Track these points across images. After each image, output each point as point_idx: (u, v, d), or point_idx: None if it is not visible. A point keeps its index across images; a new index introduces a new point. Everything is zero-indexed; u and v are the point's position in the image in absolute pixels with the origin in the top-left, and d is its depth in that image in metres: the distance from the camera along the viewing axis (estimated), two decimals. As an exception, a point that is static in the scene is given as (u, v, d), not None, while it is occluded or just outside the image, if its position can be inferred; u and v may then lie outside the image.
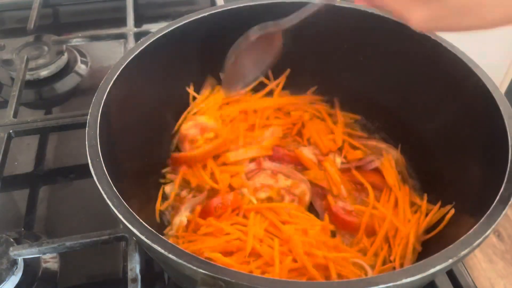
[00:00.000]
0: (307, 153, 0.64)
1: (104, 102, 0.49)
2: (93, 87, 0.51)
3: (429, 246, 0.54)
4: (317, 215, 0.60)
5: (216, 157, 0.63)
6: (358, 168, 0.64)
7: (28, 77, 0.82)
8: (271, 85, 0.70)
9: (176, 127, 0.67)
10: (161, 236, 0.38)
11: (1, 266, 0.53)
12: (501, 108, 0.47)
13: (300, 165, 0.65)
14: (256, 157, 0.63)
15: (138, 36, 0.85)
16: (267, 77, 0.70)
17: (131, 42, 0.84)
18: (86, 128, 0.46)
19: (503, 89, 1.68)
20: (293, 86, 0.71)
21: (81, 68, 0.89)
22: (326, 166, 0.63)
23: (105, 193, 0.41)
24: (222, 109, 0.68)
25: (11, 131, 0.67)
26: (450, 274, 0.55)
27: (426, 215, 0.57)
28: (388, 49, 0.61)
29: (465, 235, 0.38)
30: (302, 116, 0.68)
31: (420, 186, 0.62)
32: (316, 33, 0.64)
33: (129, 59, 0.54)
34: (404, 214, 0.57)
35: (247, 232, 0.53)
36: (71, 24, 1.04)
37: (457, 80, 0.55)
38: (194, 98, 0.68)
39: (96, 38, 0.89)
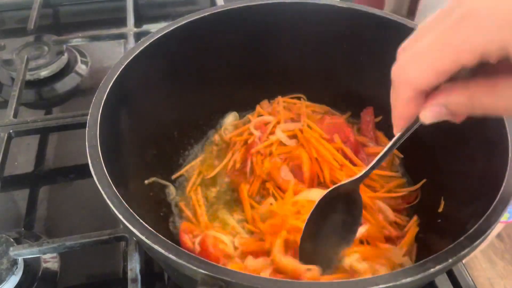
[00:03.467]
0: None
1: (104, 102, 0.49)
2: (93, 87, 0.52)
3: (429, 246, 0.54)
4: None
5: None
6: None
7: (28, 77, 0.82)
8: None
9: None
10: (161, 236, 0.38)
11: (1, 266, 0.53)
12: (501, 108, 0.47)
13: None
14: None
15: (138, 36, 0.85)
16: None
17: (131, 42, 0.84)
18: (86, 128, 0.46)
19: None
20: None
21: (81, 68, 0.89)
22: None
23: (105, 193, 0.41)
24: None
25: (11, 131, 0.67)
26: (450, 274, 0.55)
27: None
28: (388, 49, 0.61)
29: (465, 235, 0.38)
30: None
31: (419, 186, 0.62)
32: (316, 33, 0.64)
33: (129, 59, 0.54)
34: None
35: None
36: (71, 24, 1.04)
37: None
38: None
39: (96, 38, 0.89)
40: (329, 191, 0.46)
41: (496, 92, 0.29)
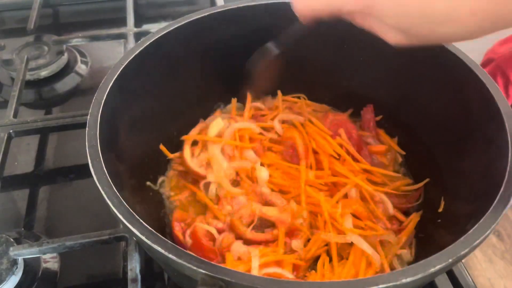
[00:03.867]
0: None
1: (104, 102, 0.49)
2: (93, 87, 0.52)
3: (428, 246, 0.54)
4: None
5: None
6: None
7: (28, 77, 0.82)
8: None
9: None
10: (161, 236, 0.38)
11: (1, 266, 0.53)
12: (501, 108, 0.47)
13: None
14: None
15: (138, 36, 0.85)
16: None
17: (131, 42, 0.84)
18: (86, 128, 0.46)
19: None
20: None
21: (81, 68, 0.89)
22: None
23: (105, 193, 0.41)
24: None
25: (11, 131, 0.67)
26: (450, 274, 0.55)
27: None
28: (388, 49, 0.61)
29: (465, 235, 0.38)
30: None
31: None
32: (315, 33, 0.64)
33: (129, 59, 0.54)
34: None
35: None
36: (71, 24, 1.04)
37: (458, 81, 0.55)
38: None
39: (96, 38, 0.89)
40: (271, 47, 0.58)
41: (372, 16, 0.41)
